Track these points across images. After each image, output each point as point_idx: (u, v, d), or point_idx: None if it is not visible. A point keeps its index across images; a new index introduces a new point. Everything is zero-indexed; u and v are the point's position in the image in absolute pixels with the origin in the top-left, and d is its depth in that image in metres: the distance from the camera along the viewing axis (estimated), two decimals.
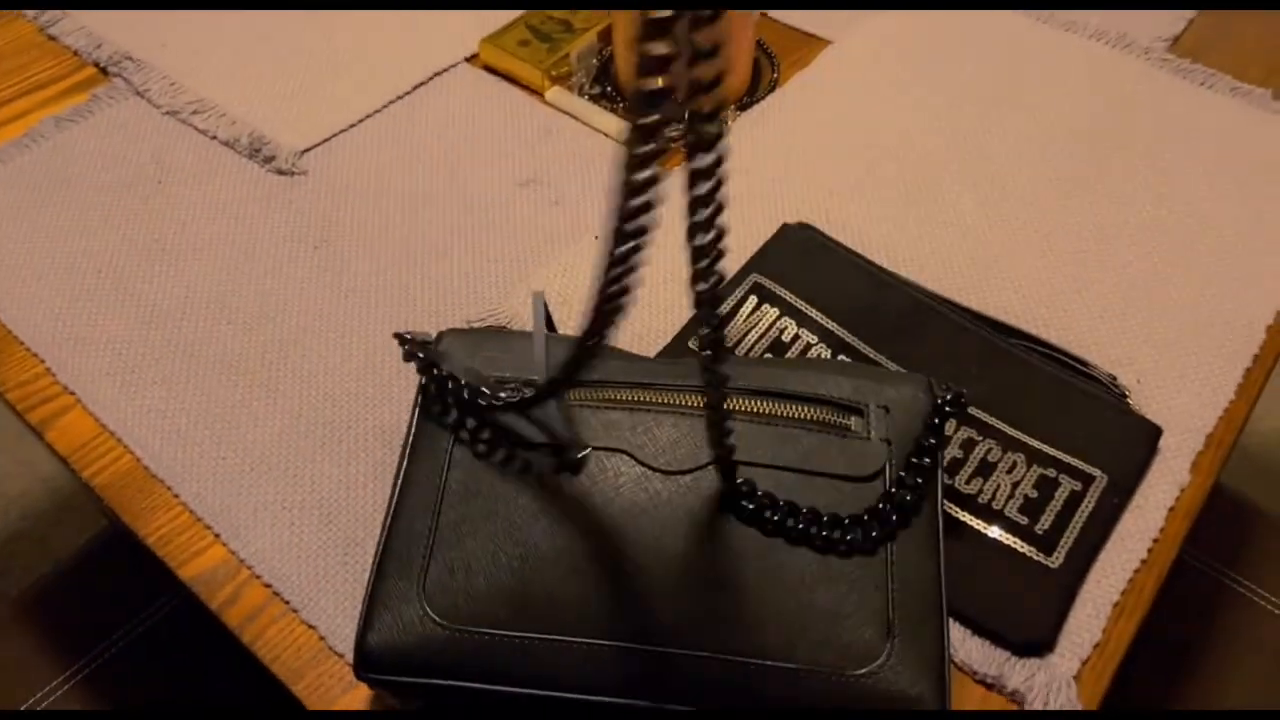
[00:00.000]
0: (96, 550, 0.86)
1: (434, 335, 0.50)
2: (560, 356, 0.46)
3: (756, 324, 0.60)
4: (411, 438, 0.46)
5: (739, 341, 0.59)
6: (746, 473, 0.43)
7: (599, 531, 0.42)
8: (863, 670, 0.40)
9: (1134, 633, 0.50)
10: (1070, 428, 0.55)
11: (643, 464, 0.44)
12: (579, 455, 0.43)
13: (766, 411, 0.45)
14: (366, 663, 0.41)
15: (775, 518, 0.42)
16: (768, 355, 0.58)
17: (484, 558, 0.42)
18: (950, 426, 0.55)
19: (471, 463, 0.45)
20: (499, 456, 0.45)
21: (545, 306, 0.47)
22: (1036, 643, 0.48)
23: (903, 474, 0.44)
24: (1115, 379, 0.58)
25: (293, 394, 0.57)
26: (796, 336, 0.59)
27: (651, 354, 0.58)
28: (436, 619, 0.41)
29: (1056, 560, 0.50)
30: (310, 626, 0.48)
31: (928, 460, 0.44)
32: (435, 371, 0.46)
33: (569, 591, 0.41)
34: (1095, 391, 0.57)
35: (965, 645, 0.48)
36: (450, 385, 0.45)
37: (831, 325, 0.60)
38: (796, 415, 0.45)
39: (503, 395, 0.44)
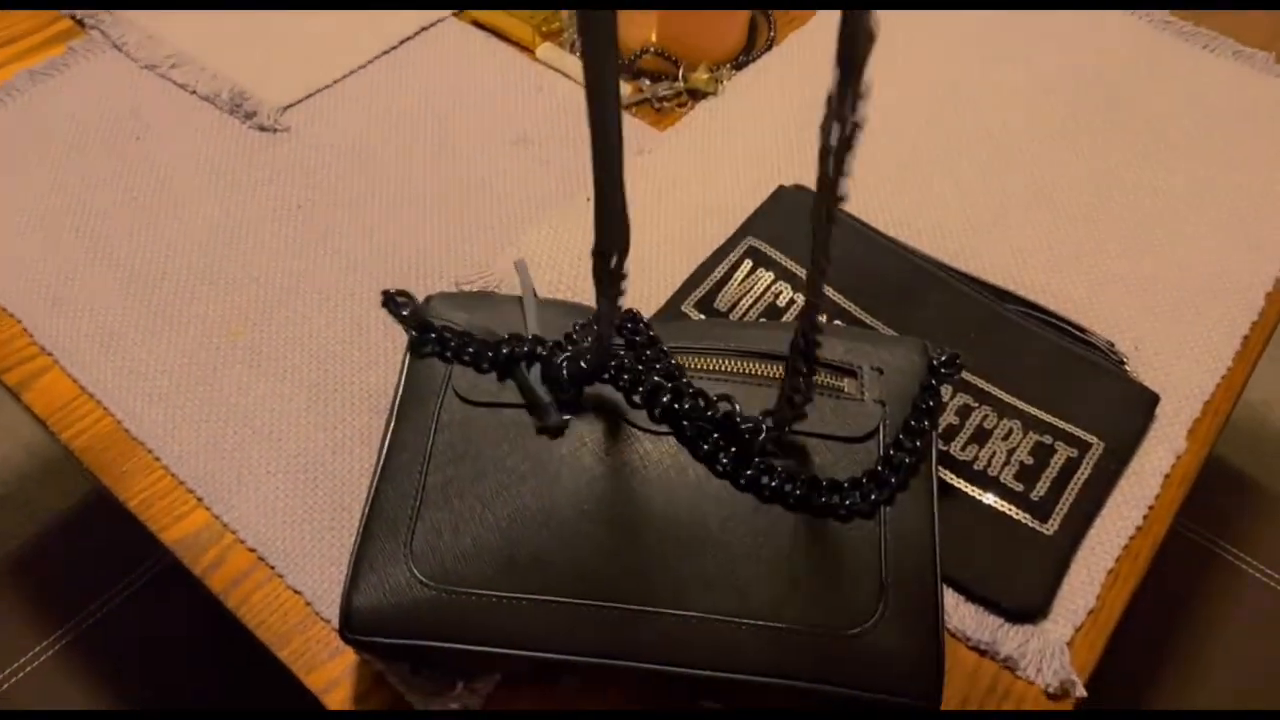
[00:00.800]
0: (81, 514, 0.85)
1: (422, 299, 0.48)
2: (549, 322, 0.45)
3: (751, 288, 0.58)
4: (399, 400, 0.45)
5: (733, 306, 0.58)
6: None
7: (587, 492, 0.42)
8: (855, 630, 0.39)
9: (1128, 600, 0.49)
10: (1067, 394, 0.55)
11: (633, 425, 0.43)
12: (557, 423, 0.42)
13: (758, 373, 0.44)
14: (352, 624, 0.40)
15: (773, 484, 0.41)
16: (762, 320, 0.57)
17: (471, 519, 0.41)
18: (946, 393, 0.54)
19: (459, 425, 0.44)
20: (489, 416, 0.44)
21: (529, 273, 0.46)
22: (1030, 609, 0.48)
23: (900, 436, 0.43)
24: (1113, 345, 0.58)
25: (277, 356, 0.56)
26: (792, 301, 0.58)
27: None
28: (423, 579, 0.40)
29: (1051, 527, 0.50)
30: (296, 592, 0.48)
31: (924, 423, 0.43)
32: (428, 326, 0.45)
33: (557, 552, 0.40)
34: (1093, 358, 0.56)
35: (958, 611, 0.48)
36: (445, 339, 0.44)
37: (827, 290, 0.59)
38: (779, 375, 0.44)
39: (504, 351, 0.43)
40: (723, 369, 0.44)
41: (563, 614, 0.40)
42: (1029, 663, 0.46)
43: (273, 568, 0.48)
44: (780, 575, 0.40)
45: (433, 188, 0.65)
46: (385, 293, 0.44)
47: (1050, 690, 0.46)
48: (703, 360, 0.45)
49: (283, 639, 0.46)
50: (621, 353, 0.44)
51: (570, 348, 0.43)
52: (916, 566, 0.41)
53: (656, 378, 0.43)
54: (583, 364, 0.42)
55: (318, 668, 0.45)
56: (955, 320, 0.58)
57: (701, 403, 0.43)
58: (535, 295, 0.48)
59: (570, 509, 0.41)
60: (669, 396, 0.43)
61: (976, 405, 0.54)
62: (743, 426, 0.41)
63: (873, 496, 0.42)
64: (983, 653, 0.47)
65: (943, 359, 0.45)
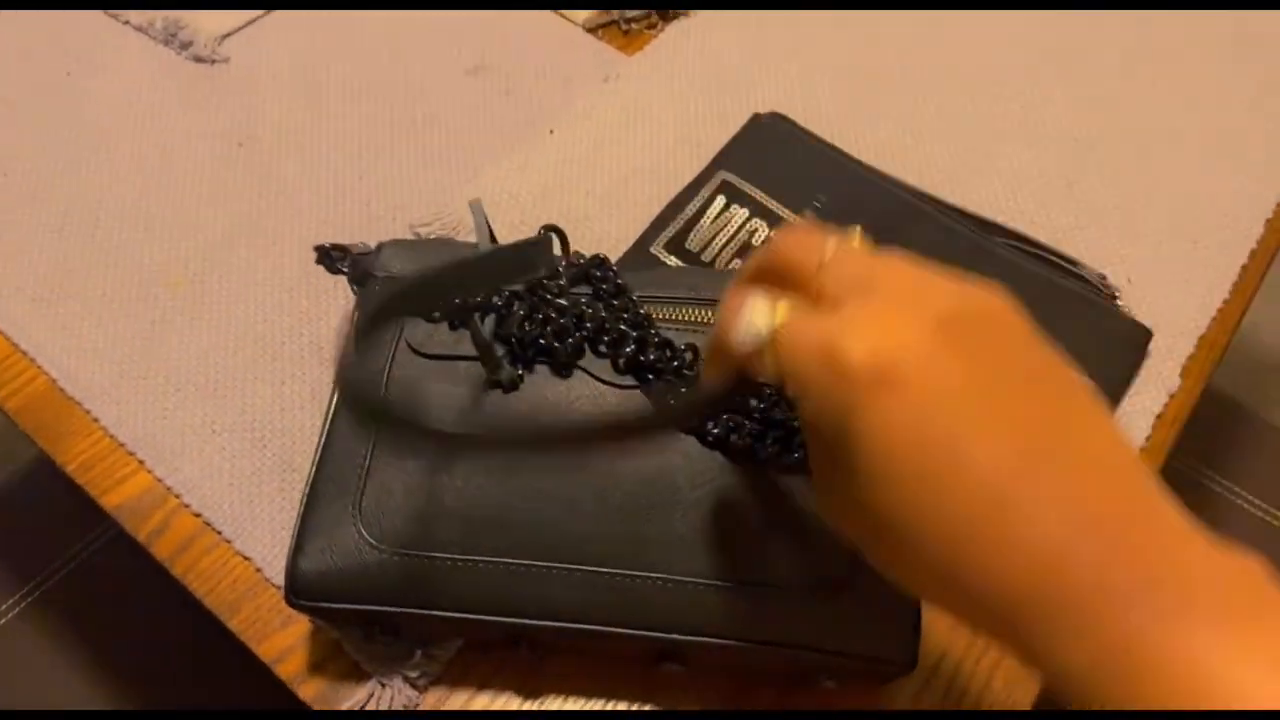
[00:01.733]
0: (39, 468, 0.82)
1: (373, 246, 0.45)
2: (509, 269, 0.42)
3: (725, 226, 0.55)
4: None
5: (706, 245, 0.54)
6: None
7: (550, 449, 0.39)
8: (828, 590, 0.37)
9: None
10: (1056, 332, 0.52)
11: (597, 379, 0.40)
12: (512, 377, 0.40)
13: None
14: (297, 589, 0.38)
15: (741, 441, 0.39)
16: (735, 263, 0.54)
17: (425, 478, 0.39)
18: None
19: (411, 380, 0.41)
20: (444, 370, 0.41)
21: (485, 215, 0.43)
22: None
23: None
24: (1105, 278, 0.55)
25: (219, 308, 0.52)
26: (768, 239, 0.55)
27: None
28: (373, 542, 0.38)
29: None
30: (245, 558, 0.45)
31: None
32: (371, 280, 0.42)
33: (518, 513, 0.38)
34: (1084, 292, 0.54)
35: None
36: (393, 294, 0.41)
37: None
38: None
39: (455, 300, 0.40)
40: (694, 319, 0.41)
41: (523, 578, 0.38)
42: None
43: (219, 533, 0.46)
44: (751, 535, 0.38)
45: (385, 122, 0.61)
46: (319, 249, 0.41)
47: None
48: (674, 310, 0.42)
49: (231, 607, 0.44)
50: (584, 301, 0.41)
51: (529, 297, 0.40)
52: None
53: (622, 327, 0.40)
54: (540, 316, 0.39)
55: (269, 637, 0.43)
56: (942, 256, 0.54)
57: (669, 354, 0.40)
58: (493, 239, 0.45)
59: (531, 467, 0.39)
60: (633, 347, 0.40)
61: None
62: None
63: None
64: None
65: None
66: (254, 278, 0.53)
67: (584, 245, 0.55)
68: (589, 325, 0.40)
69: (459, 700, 0.42)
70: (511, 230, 0.55)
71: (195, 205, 0.56)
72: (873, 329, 0.25)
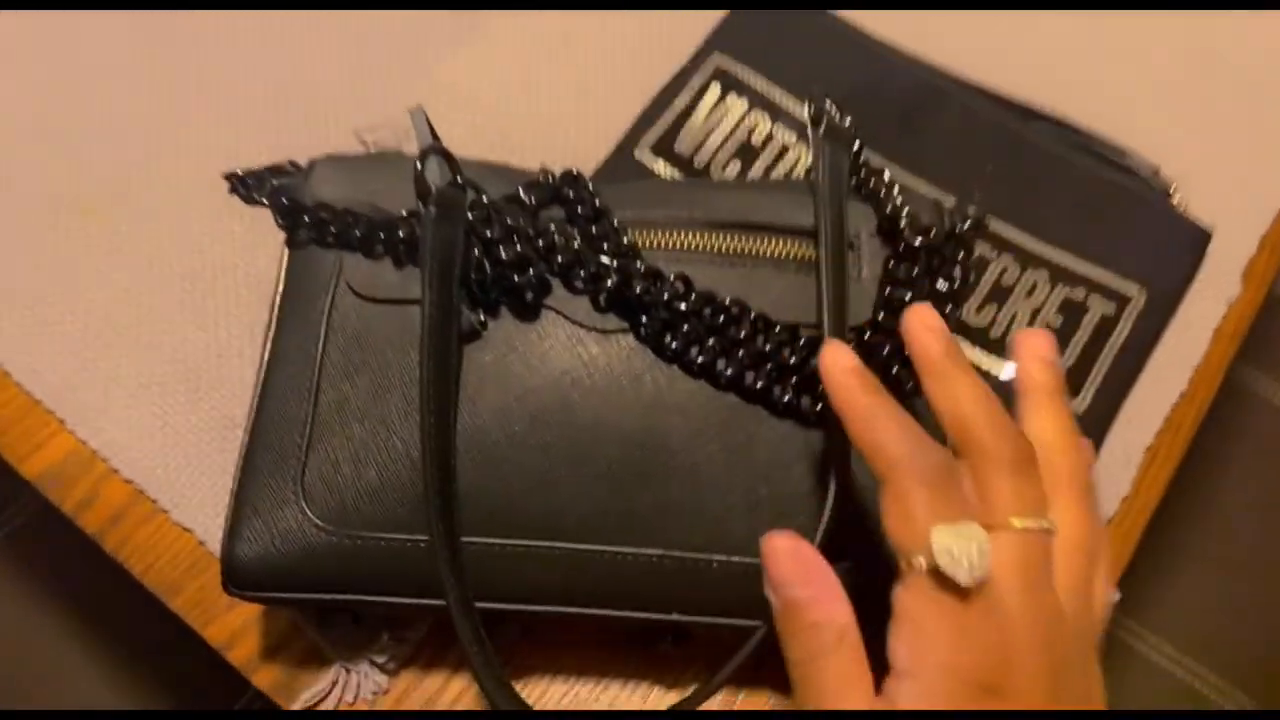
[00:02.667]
0: None
1: (305, 164, 0.38)
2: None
3: (720, 122, 0.48)
4: (278, 300, 0.36)
5: (699, 147, 0.47)
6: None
7: (518, 410, 0.33)
8: (849, 560, 0.32)
9: (1167, 481, 0.42)
10: (1103, 235, 0.46)
11: (574, 322, 0.34)
12: (472, 324, 0.33)
13: (729, 249, 0.35)
14: (235, 578, 0.33)
15: (758, 385, 0.33)
16: (733, 166, 0.47)
17: (376, 447, 0.33)
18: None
19: (356, 329, 0.34)
20: (393, 316, 0.34)
21: (429, 122, 0.36)
22: None
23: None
24: (1158, 172, 0.48)
25: (142, 238, 0.45)
26: (770, 137, 0.47)
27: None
28: (319, 523, 0.33)
29: (1083, 402, 0.42)
30: (185, 529, 0.40)
31: (943, 309, 0.34)
32: (297, 208, 0.35)
33: (483, 485, 0.33)
34: (1134, 188, 0.47)
35: None
36: (323, 222, 0.35)
37: (802, 118, 0.48)
38: (766, 251, 0.35)
39: (399, 233, 0.34)
40: (690, 244, 0.35)
41: (494, 558, 0.33)
42: None
43: (155, 502, 0.40)
44: (761, 501, 0.33)
45: (327, 10, 0.52)
46: (230, 177, 0.34)
47: None
48: (665, 235, 0.35)
49: (173, 586, 0.39)
50: (552, 228, 0.34)
51: (491, 228, 0.33)
52: None
53: (603, 259, 0.33)
54: (498, 247, 0.33)
55: (216, 618, 0.38)
56: (969, 149, 0.47)
57: (658, 285, 0.33)
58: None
59: (498, 431, 0.33)
60: (615, 280, 0.33)
61: (995, 255, 0.45)
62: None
63: None
64: None
65: (964, 225, 0.36)
66: (179, 200, 0.46)
67: (556, 152, 0.48)
68: (560, 257, 0.33)
69: (433, 685, 0.37)
70: (465, 140, 0.47)
71: (107, 113, 0.48)
72: None
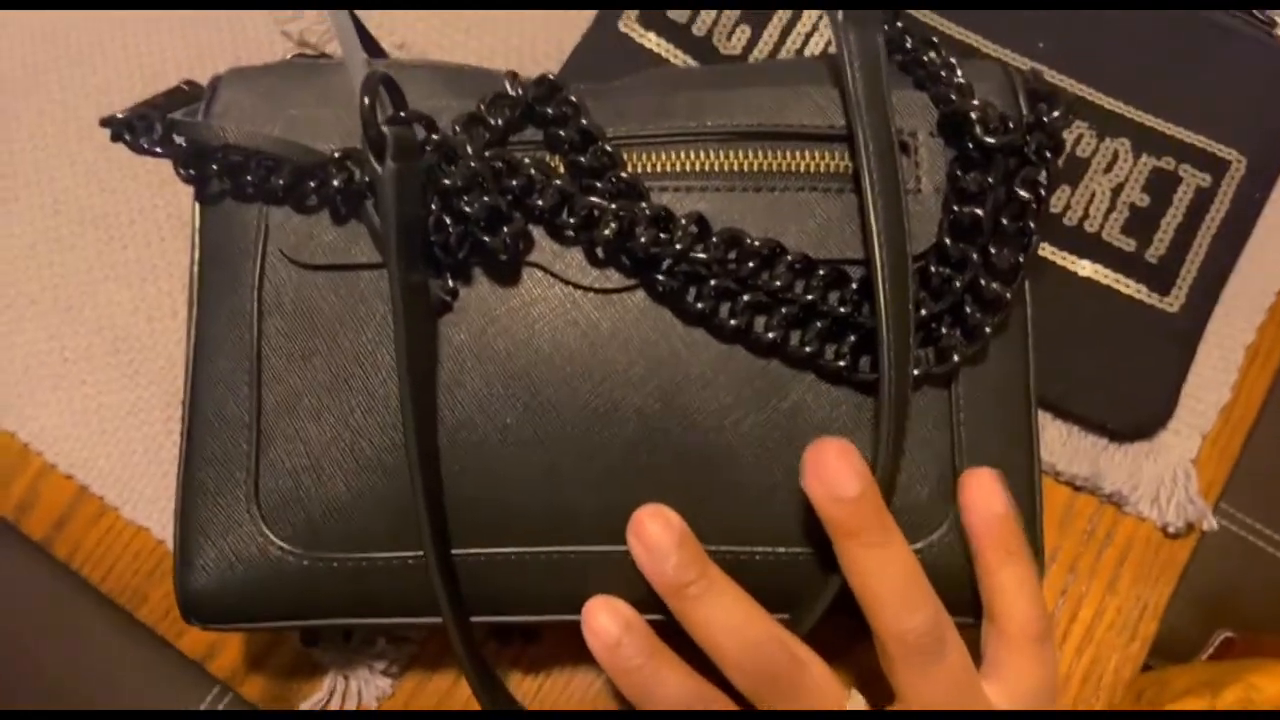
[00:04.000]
0: None
1: (206, 83, 0.30)
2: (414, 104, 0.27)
3: None
4: (195, 273, 0.29)
5: (694, 14, 0.38)
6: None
7: (511, 397, 0.27)
8: (918, 545, 0.27)
9: (1269, 384, 0.36)
10: (1195, 89, 0.37)
11: (565, 280, 0.27)
12: (440, 295, 0.27)
13: (750, 166, 0.27)
14: (196, 611, 0.28)
15: (807, 349, 0.26)
16: (742, 32, 0.38)
17: (340, 453, 0.27)
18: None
19: (294, 305, 0.28)
20: (339, 285, 0.28)
21: (357, 22, 0.27)
22: (1147, 423, 0.35)
23: (980, 243, 0.27)
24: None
25: (37, 178, 0.38)
26: None
27: (555, 69, 0.38)
28: (284, 546, 0.27)
29: (1175, 300, 0.35)
30: (140, 527, 0.35)
31: (1021, 222, 0.27)
32: (201, 152, 0.27)
33: (478, 488, 0.27)
34: (1230, 23, 0.38)
35: (1045, 435, 0.35)
36: (235, 166, 0.27)
37: None
38: (797, 166, 0.27)
39: (335, 176, 0.26)
40: (699, 166, 0.27)
41: (493, 569, 0.27)
42: (1141, 495, 0.34)
43: (101, 498, 0.35)
44: (793, 488, 0.27)
45: None
46: (109, 121, 0.27)
47: (1172, 528, 0.34)
48: (668, 156, 0.27)
49: (137, 595, 0.34)
50: (527, 163, 0.26)
51: (451, 175, 0.26)
52: (1003, 443, 0.28)
53: (598, 199, 0.26)
54: (472, 200, 0.25)
55: (190, 629, 0.33)
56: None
57: (670, 231, 0.26)
58: (374, 53, 0.30)
59: (486, 425, 0.27)
60: (614, 225, 0.26)
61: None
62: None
63: (934, 347, 0.27)
64: (1078, 488, 0.35)
65: (1044, 105, 0.28)
66: (76, 126, 0.38)
67: (521, 24, 0.39)
68: (541, 201, 0.26)
69: (442, 684, 0.33)
70: (410, 15, 0.39)
71: None
72: None
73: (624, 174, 0.26)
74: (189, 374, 0.29)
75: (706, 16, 0.39)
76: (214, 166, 0.27)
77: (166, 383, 0.36)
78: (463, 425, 0.27)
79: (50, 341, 0.36)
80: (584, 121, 0.27)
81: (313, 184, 0.27)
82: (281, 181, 0.27)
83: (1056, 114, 0.28)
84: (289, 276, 0.28)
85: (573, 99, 0.27)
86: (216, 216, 0.29)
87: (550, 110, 0.27)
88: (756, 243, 0.26)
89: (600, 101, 0.28)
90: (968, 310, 0.27)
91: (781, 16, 0.39)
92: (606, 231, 0.26)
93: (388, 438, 0.27)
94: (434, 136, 0.26)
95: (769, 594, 0.27)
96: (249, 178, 0.27)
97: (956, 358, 0.26)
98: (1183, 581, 0.35)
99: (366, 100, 0.24)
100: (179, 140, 0.27)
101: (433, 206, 0.25)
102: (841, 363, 0.26)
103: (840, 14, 0.27)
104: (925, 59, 0.29)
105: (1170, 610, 0.34)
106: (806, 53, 0.39)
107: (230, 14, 0.39)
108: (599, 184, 0.26)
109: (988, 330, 0.27)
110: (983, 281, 0.26)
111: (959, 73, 0.28)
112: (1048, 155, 0.27)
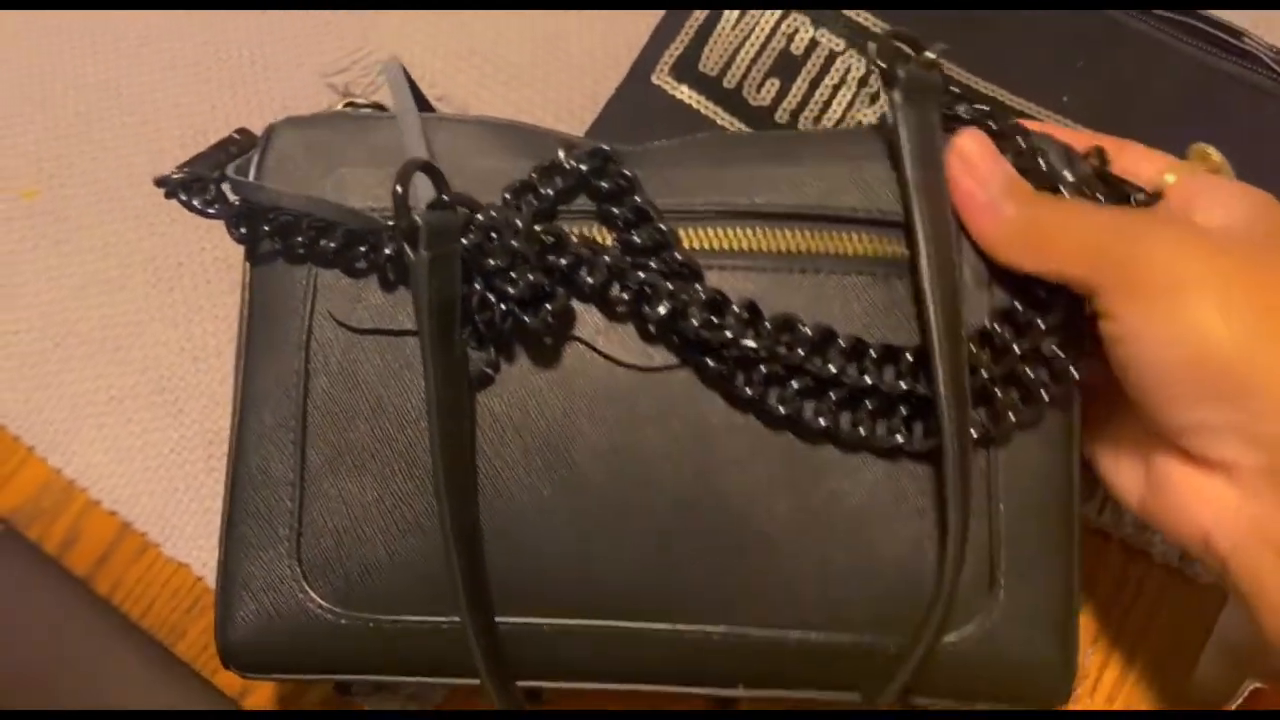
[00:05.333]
0: None
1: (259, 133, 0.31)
2: (460, 162, 0.28)
3: (751, 33, 0.39)
4: (245, 330, 0.30)
5: (728, 64, 0.39)
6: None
7: (548, 469, 0.28)
8: (953, 637, 0.27)
9: None
10: (1214, 133, 0.38)
11: (606, 356, 0.28)
12: (481, 368, 0.27)
13: (801, 248, 0.28)
14: (238, 661, 0.29)
15: (861, 432, 0.27)
16: (772, 84, 0.39)
17: (381, 514, 0.28)
18: None
19: (340, 366, 0.29)
20: (386, 349, 0.29)
21: (408, 76, 0.28)
22: None
23: (1019, 319, 0.28)
24: (1279, 53, 0.40)
25: (91, 221, 0.39)
26: (814, 44, 0.39)
27: (581, 131, 0.39)
28: (324, 605, 0.28)
29: None
30: (180, 564, 0.36)
31: (1057, 297, 0.27)
32: (253, 212, 0.29)
33: (514, 558, 0.28)
34: (1250, 76, 0.39)
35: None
36: (287, 227, 0.28)
37: (865, 16, 0.40)
38: (843, 250, 0.28)
39: (388, 243, 0.27)
40: (747, 246, 0.28)
41: (529, 638, 0.28)
42: (1172, 544, 0.35)
43: (144, 535, 0.36)
44: (844, 566, 0.27)
45: None
46: (163, 182, 0.28)
47: (1202, 578, 0.35)
48: (713, 234, 0.28)
49: (175, 631, 0.35)
50: (575, 240, 0.27)
51: (494, 255, 0.26)
52: (1044, 527, 0.28)
53: (650, 276, 0.27)
54: (517, 278, 0.26)
55: None
56: (1058, 40, 0.39)
57: (722, 318, 0.26)
58: (423, 107, 0.31)
59: (524, 495, 0.28)
60: (668, 305, 0.26)
61: None
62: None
63: (975, 424, 0.27)
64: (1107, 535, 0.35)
65: (1086, 170, 0.28)
66: (129, 173, 0.40)
67: (559, 75, 0.40)
68: (590, 279, 0.27)
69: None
70: (456, 64, 0.40)
71: (36, 72, 0.41)
72: None
73: (678, 254, 0.27)
74: (234, 428, 0.29)
75: (737, 69, 0.39)
76: (265, 227, 0.29)
77: (209, 422, 0.37)
78: (500, 495, 0.28)
79: (97, 380, 0.37)
80: (638, 199, 0.27)
81: (363, 249, 0.28)
82: (333, 245, 0.28)
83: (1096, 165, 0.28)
84: (336, 337, 0.29)
85: (627, 173, 0.28)
86: (266, 274, 0.30)
87: (605, 185, 0.28)
88: (809, 329, 0.27)
89: (648, 170, 0.28)
90: (1019, 396, 0.27)
91: (810, 70, 0.39)
92: (661, 310, 0.26)
93: (427, 502, 0.28)
94: (478, 216, 0.26)
95: (803, 678, 0.28)
96: (300, 238, 0.28)
97: (980, 422, 0.27)
98: (1212, 631, 0.35)
99: (399, 188, 0.25)
100: (232, 199, 0.29)
101: (476, 285, 0.26)
102: (899, 437, 0.27)
103: (897, 94, 0.27)
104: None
105: (1200, 660, 0.35)
106: (834, 104, 0.39)
107: (276, 65, 0.41)
108: (651, 262, 0.27)
109: (1012, 401, 0.27)
110: (1029, 372, 0.27)
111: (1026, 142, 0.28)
112: None
